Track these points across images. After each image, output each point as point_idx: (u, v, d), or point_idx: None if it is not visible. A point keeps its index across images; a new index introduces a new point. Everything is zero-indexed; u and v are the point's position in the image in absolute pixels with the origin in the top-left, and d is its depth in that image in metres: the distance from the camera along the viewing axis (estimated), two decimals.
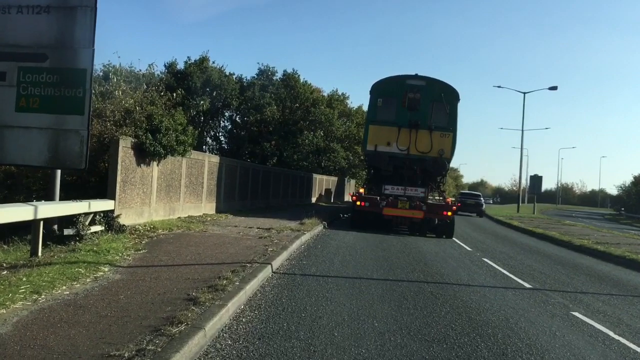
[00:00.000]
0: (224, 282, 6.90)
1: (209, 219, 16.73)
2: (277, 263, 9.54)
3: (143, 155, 13.13)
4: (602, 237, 23.33)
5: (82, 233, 10.35)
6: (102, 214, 11.68)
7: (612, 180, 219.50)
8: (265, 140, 40.26)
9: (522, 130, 48.77)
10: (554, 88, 46.76)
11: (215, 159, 19.84)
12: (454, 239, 18.57)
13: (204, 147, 41.82)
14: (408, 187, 19.59)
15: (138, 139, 12.76)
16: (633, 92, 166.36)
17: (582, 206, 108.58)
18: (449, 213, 18.67)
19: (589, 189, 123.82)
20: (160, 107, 13.62)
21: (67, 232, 10.21)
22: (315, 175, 39.16)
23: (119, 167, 12.25)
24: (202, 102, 15.72)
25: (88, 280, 7.09)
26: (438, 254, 13.82)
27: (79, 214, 10.40)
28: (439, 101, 19.73)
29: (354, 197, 19.56)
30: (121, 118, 12.88)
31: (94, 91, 13.90)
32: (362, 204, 18.89)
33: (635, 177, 74.26)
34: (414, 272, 10.46)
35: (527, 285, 10.09)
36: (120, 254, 9.26)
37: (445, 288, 8.97)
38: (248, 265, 8.58)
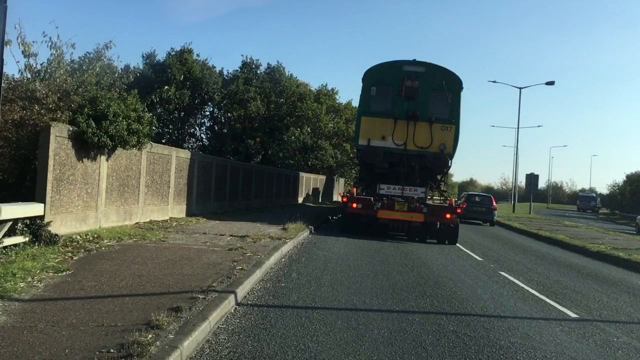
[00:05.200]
0: (150, 336, 4.46)
1: (174, 224, 14.23)
2: (244, 289, 7.12)
3: (85, 147, 10.62)
4: (614, 241, 21.30)
5: None
6: (27, 221, 9.19)
7: (602, 180, 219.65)
8: (249, 137, 37.73)
9: (518, 128, 46.84)
10: (551, 83, 44.84)
11: (185, 154, 17.32)
12: (457, 245, 16.32)
13: (184, 144, 39.25)
14: (406, 186, 17.30)
15: (78, 126, 10.25)
16: (626, 91, 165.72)
17: (572, 205, 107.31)
18: (453, 216, 16.39)
19: (578, 187, 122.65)
20: (107, 90, 11.11)
21: None
22: (302, 174, 36.71)
23: (51, 162, 9.73)
24: (165, 87, 13.26)
25: None
26: (447, 267, 11.51)
27: None
28: (440, 90, 17.47)
29: (344, 198, 17.17)
30: (57, 101, 10.35)
31: (28, 69, 11.41)
32: (354, 205, 16.53)
33: (627, 176, 72.75)
34: (425, 296, 8.11)
35: (570, 313, 7.79)
36: (30, 278, 6.79)
37: (472, 323, 6.62)
38: (201, 297, 6.13)
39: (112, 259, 8.53)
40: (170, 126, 39.54)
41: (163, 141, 35.88)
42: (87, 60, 12.54)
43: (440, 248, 15.31)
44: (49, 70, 11.89)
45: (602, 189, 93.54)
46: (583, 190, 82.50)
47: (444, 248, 15.40)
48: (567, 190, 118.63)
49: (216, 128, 41.45)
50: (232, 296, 6.37)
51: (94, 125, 10.32)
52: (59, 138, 9.92)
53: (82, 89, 11.04)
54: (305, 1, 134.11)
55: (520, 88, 45.83)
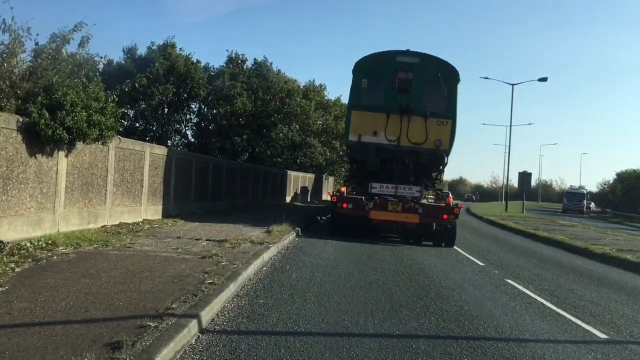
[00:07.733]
0: None
1: (147, 227, 12.92)
2: (213, 309, 5.89)
3: (39, 141, 9.30)
4: (615, 242, 20.41)
5: None
6: None
7: (590, 178, 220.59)
8: (236, 135, 36.36)
9: (510, 125, 46.13)
10: (543, 79, 44.16)
11: (161, 150, 16.00)
12: (455, 247, 15.23)
13: (168, 141, 37.79)
14: (399, 185, 16.16)
15: (29, 117, 8.95)
16: (618, 89, 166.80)
17: (561, 203, 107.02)
18: (450, 216, 15.27)
19: (567, 185, 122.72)
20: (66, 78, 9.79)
21: None
22: (290, 173, 35.47)
23: None
24: (139, 75, 12.01)
25: None
26: (448, 275, 10.37)
27: None
28: (436, 82, 16.34)
29: (334, 198, 15.96)
30: (5, 88, 9.02)
31: None
32: (344, 205, 15.34)
33: (618, 174, 72.32)
34: (428, 313, 6.93)
35: (598, 333, 6.67)
36: None
37: (489, 351, 5.46)
38: (152, 324, 4.89)
39: (60, 271, 7.25)
40: (155, 123, 38.18)
41: (147, 138, 34.47)
42: (53, 42, 11.17)
43: (438, 251, 14.19)
44: (3, 55, 10.53)
45: (592, 187, 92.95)
46: (572, 187, 76.72)
47: (441, 251, 14.28)
48: (556, 188, 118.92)
49: (202, 125, 40.06)
50: (194, 322, 5.14)
51: (47, 116, 9.01)
52: (5, 130, 8.60)
53: (37, 76, 9.70)
54: (304, 0, 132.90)
55: (513, 84, 45.10)
